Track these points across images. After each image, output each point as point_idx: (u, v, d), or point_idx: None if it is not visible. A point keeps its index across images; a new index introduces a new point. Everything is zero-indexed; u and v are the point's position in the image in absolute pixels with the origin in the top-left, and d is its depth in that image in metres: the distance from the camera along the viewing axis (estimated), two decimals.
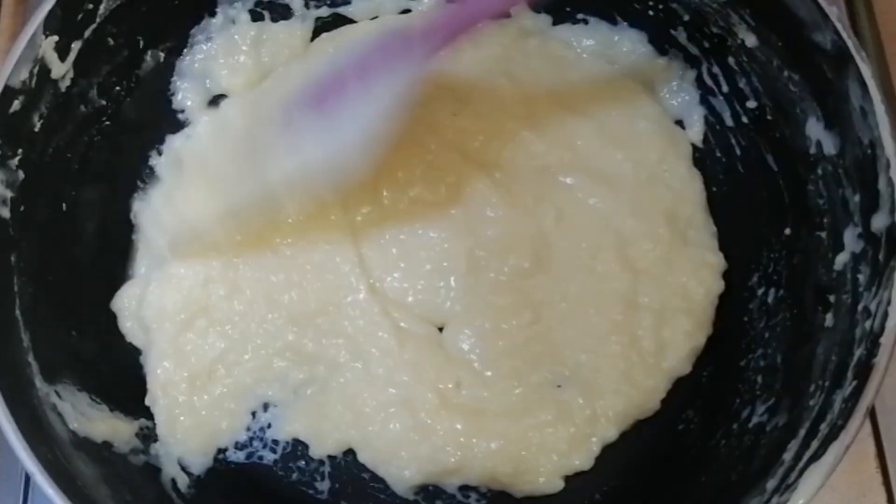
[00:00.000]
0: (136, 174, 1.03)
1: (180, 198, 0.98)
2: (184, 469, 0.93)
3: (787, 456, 0.77)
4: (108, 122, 0.98)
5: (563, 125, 1.02)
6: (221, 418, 0.94)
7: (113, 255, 1.00)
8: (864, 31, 1.12)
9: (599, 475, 0.92)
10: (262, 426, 0.95)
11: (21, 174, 0.87)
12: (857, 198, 0.82)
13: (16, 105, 0.85)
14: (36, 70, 0.87)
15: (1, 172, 0.84)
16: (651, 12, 1.03)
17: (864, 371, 0.74)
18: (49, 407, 0.83)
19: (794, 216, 0.92)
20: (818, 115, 0.87)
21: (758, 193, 0.97)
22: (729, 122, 1.01)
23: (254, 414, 0.96)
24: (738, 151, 1.01)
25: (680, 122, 1.05)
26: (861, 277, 0.80)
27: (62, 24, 0.88)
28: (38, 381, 0.83)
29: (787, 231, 0.93)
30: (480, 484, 0.92)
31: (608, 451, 0.92)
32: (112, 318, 0.97)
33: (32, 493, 0.95)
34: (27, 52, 0.86)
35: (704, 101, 1.04)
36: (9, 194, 0.85)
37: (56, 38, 0.88)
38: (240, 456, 0.95)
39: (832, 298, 0.83)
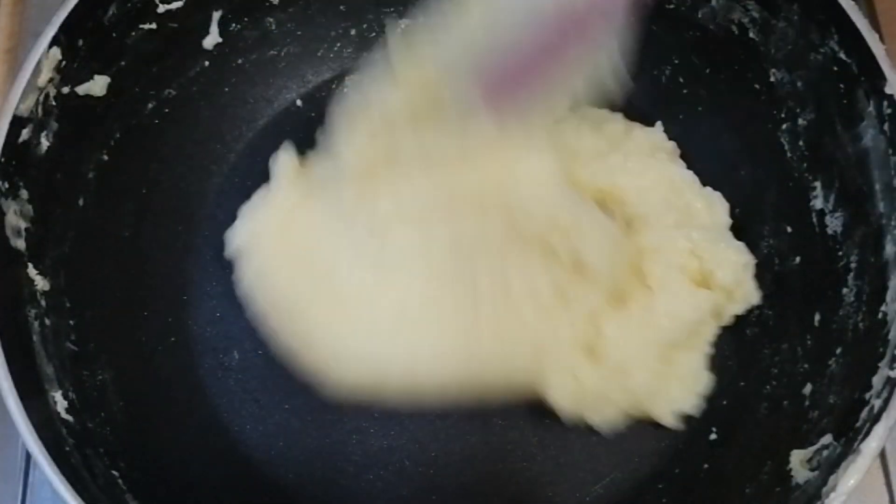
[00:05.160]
0: None
1: None
2: None
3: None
4: (118, 146, 0.96)
5: None
6: None
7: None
8: None
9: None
10: None
11: (34, 204, 0.85)
12: None
13: (24, 134, 0.84)
14: (42, 97, 0.85)
15: (14, 203, 0.83)
16: None
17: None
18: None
19: None
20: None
21: None
22: None
23: None
24: None
25: None
26: None
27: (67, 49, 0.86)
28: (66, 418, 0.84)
29: None
30: None
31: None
32: (136, 343, 0.97)
33: (31, 494, 0.96)
34: (33, 80, 0.84)
35: None
36: (23, 224, 0.84)
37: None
38: None
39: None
